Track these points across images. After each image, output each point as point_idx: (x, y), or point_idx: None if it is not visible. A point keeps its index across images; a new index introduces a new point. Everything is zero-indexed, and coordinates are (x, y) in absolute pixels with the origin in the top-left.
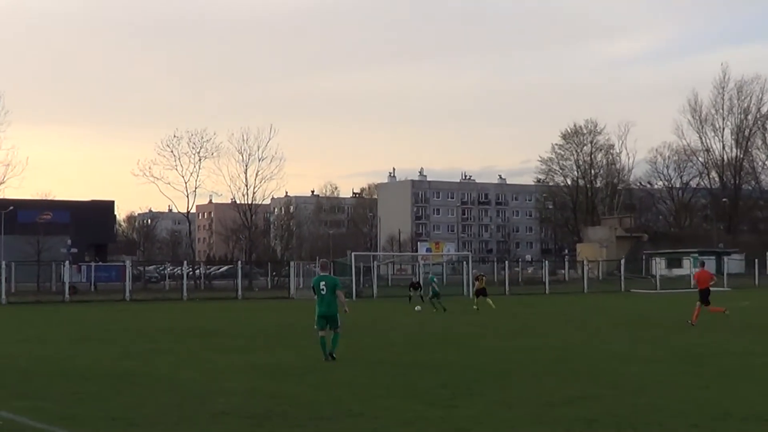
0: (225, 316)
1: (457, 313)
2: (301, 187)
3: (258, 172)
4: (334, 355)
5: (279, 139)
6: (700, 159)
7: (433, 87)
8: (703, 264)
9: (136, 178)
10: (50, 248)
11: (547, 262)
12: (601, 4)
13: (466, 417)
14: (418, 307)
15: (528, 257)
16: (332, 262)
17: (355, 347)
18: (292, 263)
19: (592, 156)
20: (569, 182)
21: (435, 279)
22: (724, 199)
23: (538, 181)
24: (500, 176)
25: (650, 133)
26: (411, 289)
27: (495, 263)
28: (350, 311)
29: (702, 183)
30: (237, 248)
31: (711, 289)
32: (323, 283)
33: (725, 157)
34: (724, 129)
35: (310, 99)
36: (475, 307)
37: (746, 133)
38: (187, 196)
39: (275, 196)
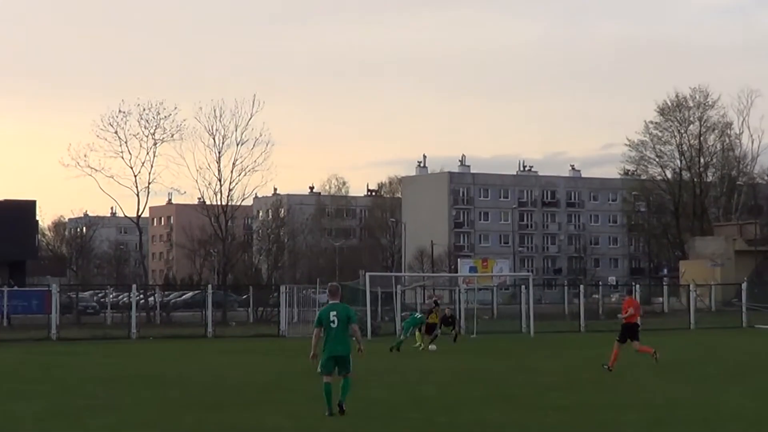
0: (189, 361)
1: (506, 356)
2: (295, 183)
3: (236, 161)
4: (343, 407)
5: (265, 115)
6: None
7: (478, 42)
8: (631, 291)
9: (65, 170)
10: None
11: (638, 286)
12: None
13: None
14: (432, 347)
15: (612, 280)
16: (340, 285)
17: (368, 404)
18: (282, 288)
19: (702, 139)
20: (669, 175)
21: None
22: None
23: (626, 173)
24: (572, 167)
25: None
26: (441, 324)
27: (565, 288)
28: (365, 352)
29: None
30: (206, 267)
31: None
32: (334, 313)
33: None
34: None
35: (308, 59)
36: (417, 345)
37: None
38: (138, 195)
39: (260, 195)
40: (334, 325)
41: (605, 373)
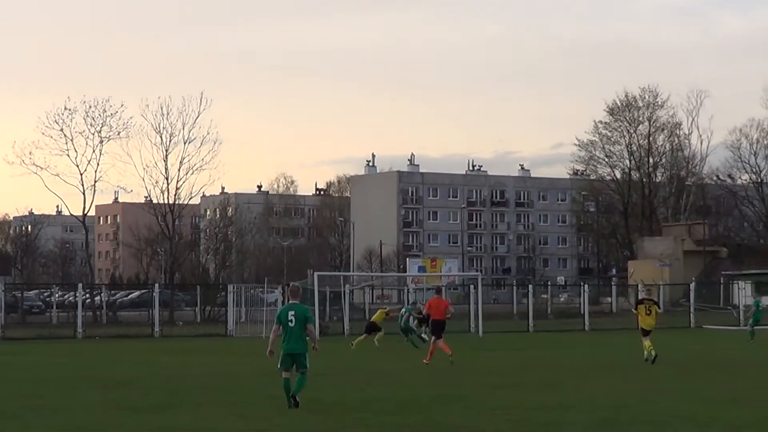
0: (136, 361)
1: (459, 357)
2: (243, 182)
3: (183, 159)
4: (296, 400)
5: (213, 113)
6: None
7: (429, 41)
8: (440, 290)
9: (10, 168)
10: None
11: (587, 286)
12: None
13: None
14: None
15: (561, 280)
16: (286, 284)
17: (318, 404)
18: (230, 287)
19: (651, 139)
20: (618, 175)
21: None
22: None
23: (575, 173)
24: (522, 167)
25: (732, 107)
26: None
27: (514, 287)
28: (319, 350)
29: None
30: (153, 266)
31: None
32: (292, 313)
33: None
34: None
35: (257, 56)
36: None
37: None
38: (84, 193)
39: (207, 194)
40: (291, 324)
41: (554, 373)
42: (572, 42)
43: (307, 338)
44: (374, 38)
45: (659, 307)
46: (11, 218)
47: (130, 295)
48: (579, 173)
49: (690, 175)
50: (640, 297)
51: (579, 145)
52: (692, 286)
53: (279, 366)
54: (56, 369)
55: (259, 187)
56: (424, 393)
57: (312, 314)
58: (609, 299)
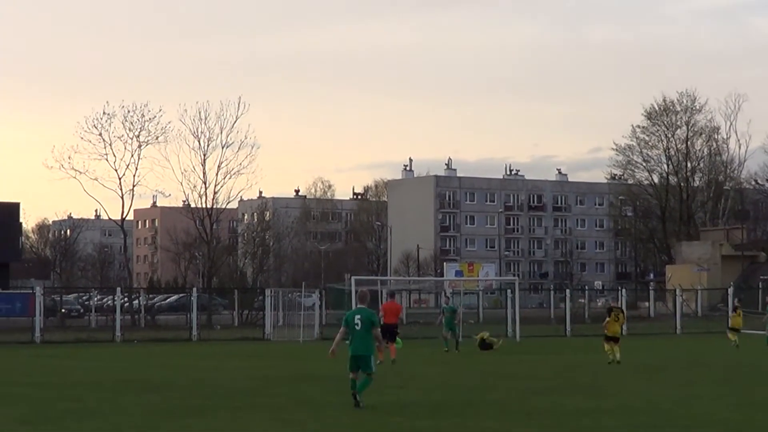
0: (174, 365)
1: (498, 360)
2: (281, 186)
3: (221, 164)
4: (357, 399)
5: (251, 118)
6: None
7: (466, 45)
8: (393, 294)
9: (50, 172)
10: None
11: (624, 291)
12: None
13: None
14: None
15: (598, 284)
16: (324, 288)
17: (352, 409)
18: (268, 291)
19: (689, 143)
20: (656, 180)
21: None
22: None
23: (613, 177)
24: (559, 171)
25: None
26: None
27: (551, 292)
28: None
29: None
30: (191, 270)
31: None
32: (358, 317)
33: None
34: None
35: (294, 62)
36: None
37: None
38: (122, 197)
39: (245, 198)
40: (357, 328)
41: (589, 378)
42: (610, 45)
43: (376, 343)
44: (413, 42)
45: (624, 316)
46: (50, 222)
47: (168, 299)
48: (616, 177)
49: (728, 179)
50: (609, 305)
51: (616, 150)
52: (730, 290)
53: (348, 367)
54: (95, 373)
55: (297, 191)
56: (458, 397)
57: (378, 319)
58: (647, 304)
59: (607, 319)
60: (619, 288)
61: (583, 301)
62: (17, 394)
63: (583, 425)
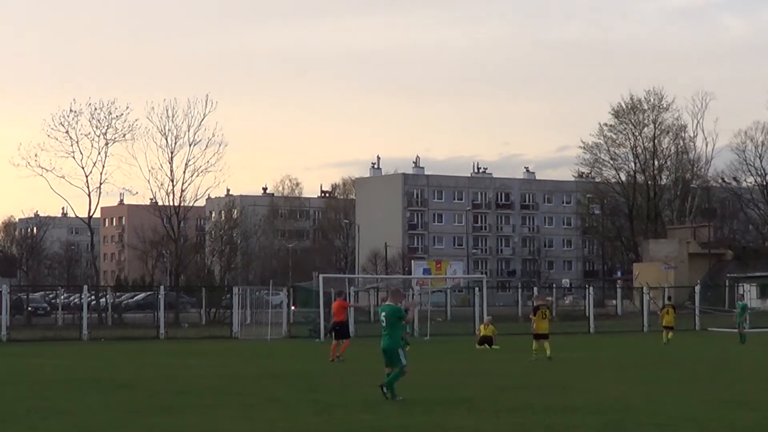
0: (142, 363)
1: (466, 358)
2: (248, 184)
3: (189, 161)
4: (383, 390)
5: (218, 115)
6: None
7: (434, 43)
8: (341, 293)
9: (16, 170)
10: None
11: (592, 288)
12: None
13: None
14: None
15: (566, 282)
16: (292, 286)
17: (320, 406)
18: (235, 290)
19: (656, 141)
20: (623, 178)
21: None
22: None
23: (580, 176)
24: (527, 169)
25: (737, 110)
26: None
27: (519, 290)
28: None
29: None
30: (158, 268)
31: None
32: (384, 313)
33: None
34: None
35: (262, 59)
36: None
37: None
38: (89, 195)
39: (213, 196)
40: (383, 323)
41: (558, 376)
42: (577, 44)
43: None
44: (378, 40)
45: (552, 313)
46: (17, 220)
47: (136, 297)
48: (584, 176)
49: (695, 177)
50: (536, 303)
51: (584, 148)
52: (697, 288)
53: (384, 363)
54: (61, 371)
55: (264, 189)
56: (428, 395)
57: (403, 312)
58: (614, 302)
59: (533, 317)
60: (587, 286)
61: (550, 299)
62: None
63: (553, 422)
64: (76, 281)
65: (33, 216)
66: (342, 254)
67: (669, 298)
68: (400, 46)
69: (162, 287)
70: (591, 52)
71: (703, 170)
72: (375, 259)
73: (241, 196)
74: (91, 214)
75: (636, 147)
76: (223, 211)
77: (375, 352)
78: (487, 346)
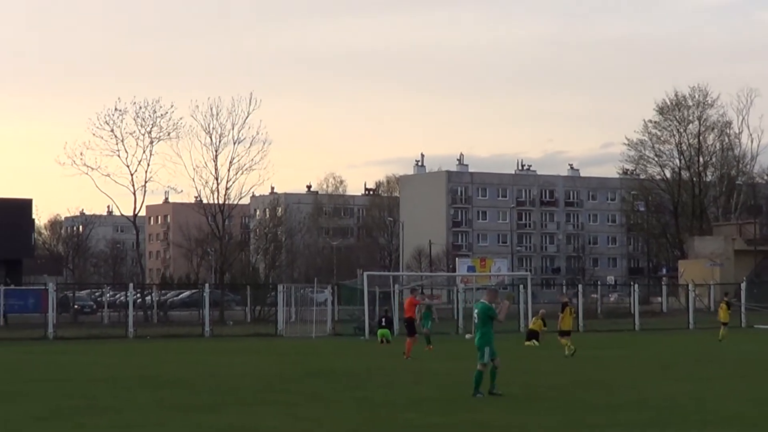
0: (187, 361)
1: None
2: (293, 182)
3: (233, 159)
4: (492, 392)
5: (262, 113)
6: None
7: (478, 41)
8: (414, 290)
9: (62, 168)
10: None
11: (636, 286)
12: None
13: None
14: (468, 335)
15: (610, 279)
16: (336, 284)
17: (365, 404)
18: (280, 287)
19: (701, 138)
20: (668, 175)
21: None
22: None
23: (625, 172)
24: (571, 166)
25: None
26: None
27: (564, 287)
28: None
29: None
30: (203, 266)
31: None
32: (476, 311)
33: None
34: None
35: (306, 57)
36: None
37: None
38: (134, 194)
39: (257, 194)
40: (476, 321)
41: (603, 373)
42: (622, 41)
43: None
44: (424, 37)
45: (575, 311)
46: (63, 219)
47: (181, 295)
48: (628, 173)
49: (740, 174)
50: (563, 300)
51: (628, 145)
52: (743, 285)
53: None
54: (107, 369)
55: (309, 187)
56: (471, 392)
57: (494, 311)
58: (659, 299)
59: (561, 315)
60: (632, 283)
61: (595, 296)
62: (30, 391)
63: (597, 420)
64: (122, 279)
65: (79, 214)
66: (386, 252)
67: (726, 294)
68: (444, 43)
69: (207, 285)
70: (635, 48)
71: (748, 167)
72: (419, 257)
73: (285, 194)
74: (136, 213)
75: (681, 144)
76: (267, 209)
77: (420, 350)
78: (535, 342)
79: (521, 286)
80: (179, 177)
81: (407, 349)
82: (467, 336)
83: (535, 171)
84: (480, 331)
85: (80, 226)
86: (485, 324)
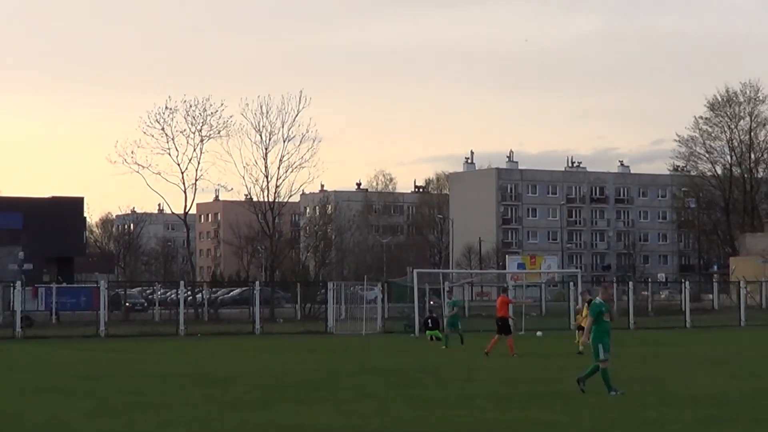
0: (237, 358)
1: (562, 352)
2: (343, 180)
3: (283, 157)
4: (579, 383)
5: (312, 111)
6: None
7: (528, 36)
8: (506, 289)
9: (113, 167)
10: None
11: (688, 283)
12: None
13: None
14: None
15: (661, 276)
16: (386, 281)
17: (417, 402)
18: (330, 285)
19: (752, 134)
20: (719, 171)
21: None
22: None
23: (675, 169)
24: (621, 163)
25: None
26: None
27: (614, 284)
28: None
29: None
30: (253, 264)
31: None
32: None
33: None
34: None
35: (356, 54)
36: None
37: None
38: (185, 192)
39: (307, 192)
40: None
41: (653, 370)
42: (672, 37)
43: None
44: (473, 34)
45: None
46: (114, 217)
47: (231, 293)
48: (679, 169)
49: None
50: (589, 297)
51: (679, 141)
52: None
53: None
54: (158, 366)
55: (358, 184)
56: (523, 389)
57: (607, 307)
58: (710, 296)
59: (581, 310)
60: (683, 280)
61: (646, 293)
62: (83, 388)
63: (648, 417)
64: (173, 277)
65: (130, 212)
66: (436, 249)
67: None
68: (493, 39)
69: (257, 283)
70: (686, 44)
71: None
72: (469, 254)
73: (335, 191)
74: (186, 211)
75: (732, 140)
76: (317, 207)
77: (472, 346)
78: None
79: (571, 284)
80: (229, 175)
81: (509, 347)
82: (519, 333)
83: (585, 168)
84: (594, 328)
85: (131, 224)
86: (598, 321)
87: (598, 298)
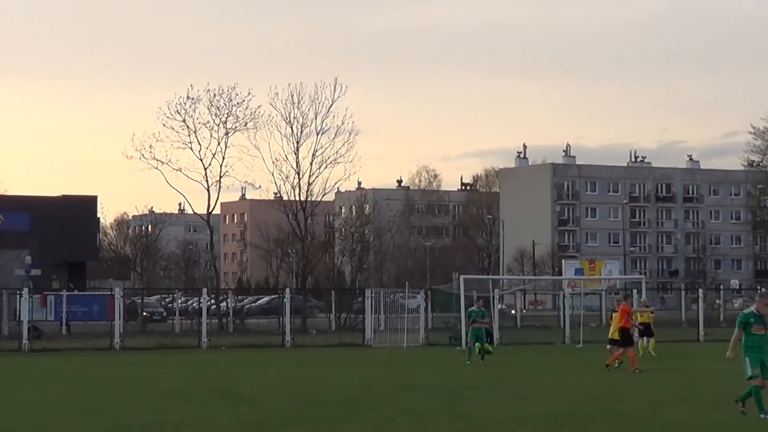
0: (266, 373)
1: (622, 368)
2: (382, 176)
3: (316, 152)
4: (738, 402)
5: (348, 101)
6: None
7: (586, 23)
8: (627, 296)
9: (129, 162)
10: None
11: (763, 290)
12: None
13: None
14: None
15: (735, 283)
16: (430, 288)
17: (466, 421)
18: (367, 292)
19: None
20: None
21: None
22: None
23: (750, 164)
24: (690, 158)
25: None
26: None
27: (683, 292)
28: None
29: None
30: (283, 269)
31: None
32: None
33: None
34: None
35: (396, 40)
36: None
37: None
38: (208, 190)
39: (343, 190)
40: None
41: (727, 388)
42: (745, 19)
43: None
44: (527, 18)
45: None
46: (130, 217)
47: (259, 301)
48: (754, 164)
49: None
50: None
51: (754, 133)
52: None
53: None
54: (179, 381)
55: (399, 181)
56: (581, 408)
57: (757, 319)
58: None
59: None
60: (758, 287)
61: (718, 302)
62: (97, 406)
63: None
64: (195, 284)
65: (148, 213)
66: (485, 253)
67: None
68: (549, 24)
69: (288, 290)
70: (760, 27)
71: None
72: (521, 258)
73: (373, 189)
74: (210, 211)
75: None
76: (354, 206)
77: (518, 360)
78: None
79: (635, 290)
80: (257, 171)
81: (632, 361)
82: (577, 346)
83: (649, 163)
84: (743, 341)
85: (149, 226)
86: (746, 333)
87: (752, 307)
